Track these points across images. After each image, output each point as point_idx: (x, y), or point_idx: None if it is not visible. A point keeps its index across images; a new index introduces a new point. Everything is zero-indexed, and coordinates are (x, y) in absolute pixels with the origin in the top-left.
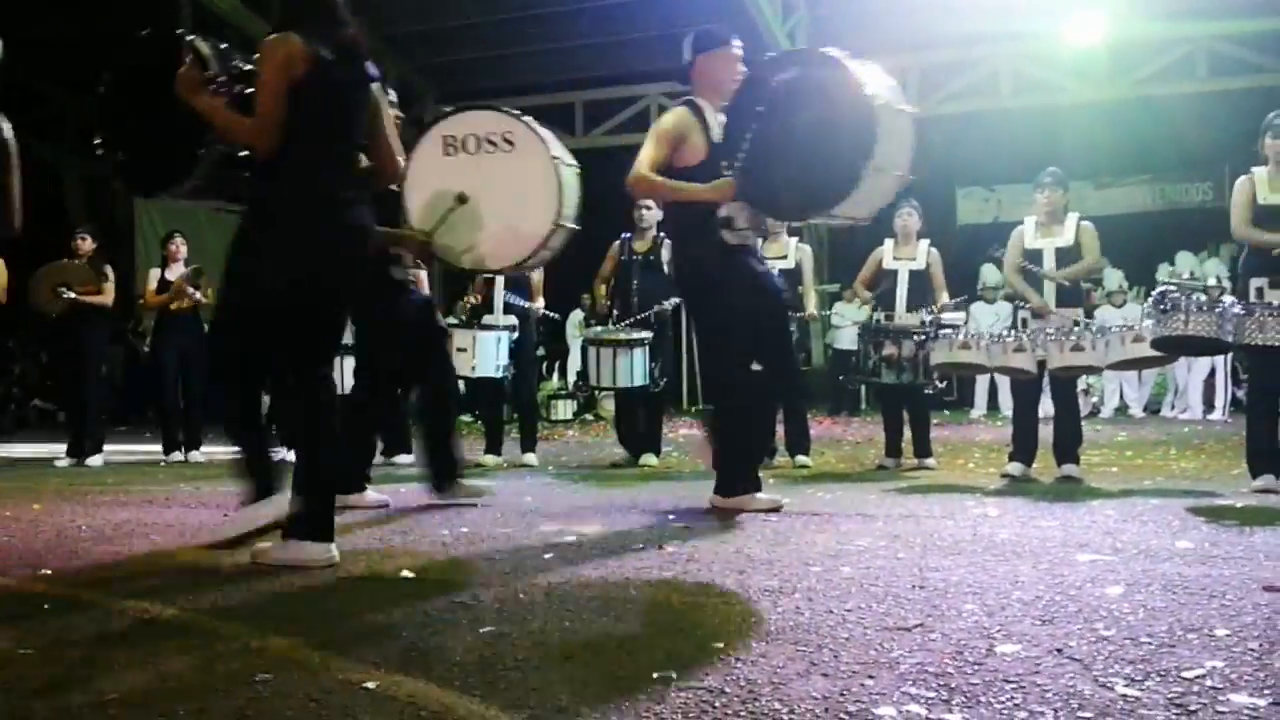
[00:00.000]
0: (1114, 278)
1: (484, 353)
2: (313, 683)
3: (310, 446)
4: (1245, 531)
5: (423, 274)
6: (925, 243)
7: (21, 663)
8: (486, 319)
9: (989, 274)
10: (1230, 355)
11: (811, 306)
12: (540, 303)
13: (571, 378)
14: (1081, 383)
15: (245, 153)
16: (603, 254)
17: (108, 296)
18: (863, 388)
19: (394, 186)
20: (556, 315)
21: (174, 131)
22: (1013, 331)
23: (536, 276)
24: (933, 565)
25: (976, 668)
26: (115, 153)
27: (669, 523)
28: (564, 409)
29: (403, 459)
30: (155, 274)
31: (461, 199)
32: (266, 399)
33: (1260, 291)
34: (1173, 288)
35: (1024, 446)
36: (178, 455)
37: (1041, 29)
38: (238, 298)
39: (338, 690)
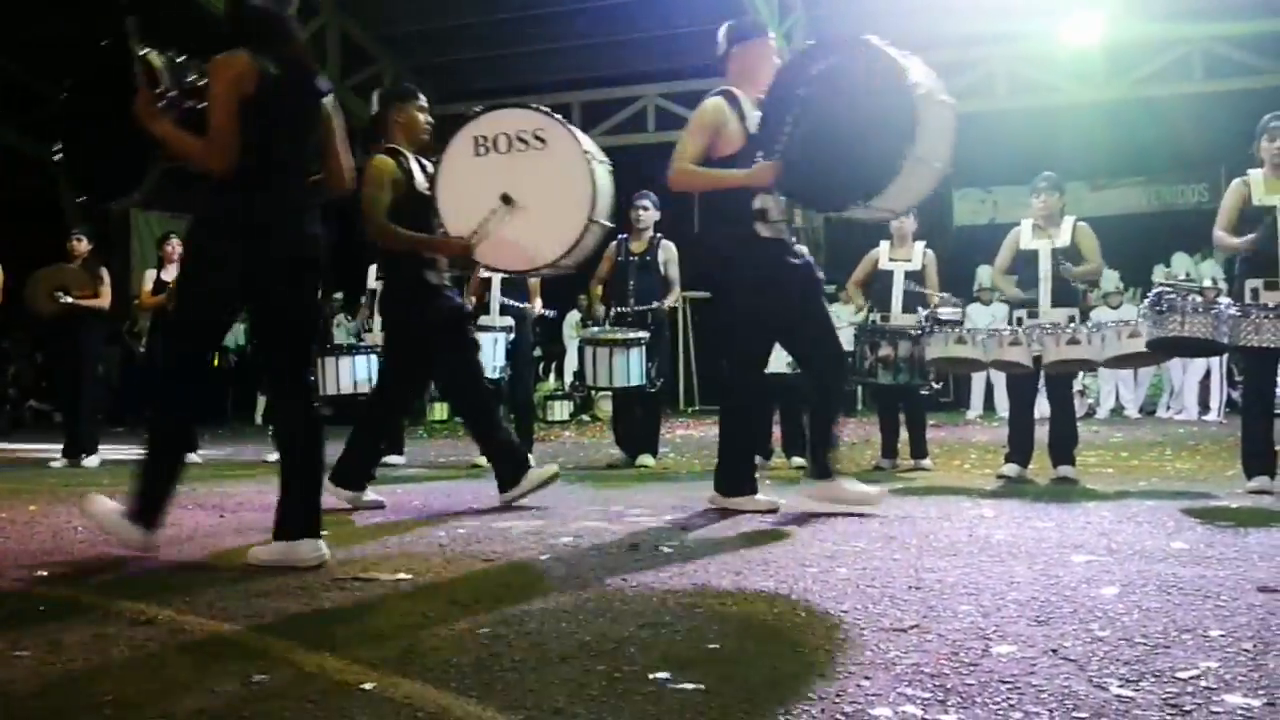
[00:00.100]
0: (1110, 279)
1: (481, 354)
2: (309, 684)
3: (309, 446)
4: (1240, 533)
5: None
6: (921, 244)
7: (17, 664)
8: (483, 320)
9: (985, 275)
10: (1226, 357)
11: None
12: (537, 304)
13: (568, 378)
14: (1077, 384)
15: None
16: (599, 254)
17: (104, 300)
18: (859, 388)
19: (429, 190)
20: (553, 313)
21: (126, 143)
22: (1009, 326)
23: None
24: (929, 566)
25: (972, 668)
26: (73, 160)
27: (665, 524)
28: (561, 410)
29: (393, 459)
30: (151, 275)
31: (506, 200)
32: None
33: (1256, 293)
34: (1169, 289)
35: (1020, 447)
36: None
37: (1038, 30)
38: (194, 311)
39: (334, 691)
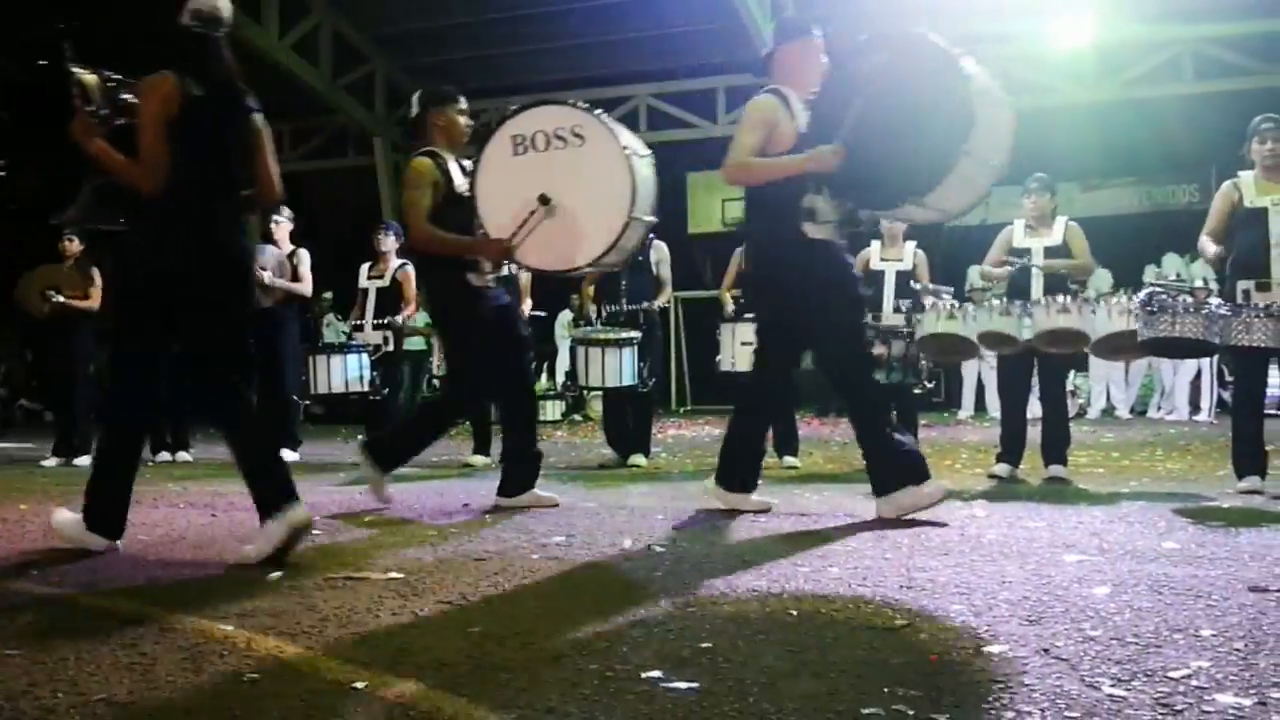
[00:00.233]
0: (1104, 278)
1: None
2: (301, 683)
3: (275, 436)
4: (1231, 532)
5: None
6: (911, 244)
7: (7, 663)
8: None
9: (976, 276)
10: (1216, 357)
11: None
12: (528, 304)
13: (560, 378)
14: (1069, 384)
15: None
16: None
17: (95, 300)
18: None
19: (468, 192)
20: (543, 314)
21: (61, 162)
22: (999, 299)
23: (525, 278)
24: (920, 566)
25: (964, 668)
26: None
27: (658, 524)
28: (553, 410)
29: None
30: None
31: (544, 201)
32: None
33: (1247, 294)
34: (1160, 289)
35: (1011, 447)
36: (165, 456)
37: (1029, 30)
38: (130, 319)
39: (326, 690)
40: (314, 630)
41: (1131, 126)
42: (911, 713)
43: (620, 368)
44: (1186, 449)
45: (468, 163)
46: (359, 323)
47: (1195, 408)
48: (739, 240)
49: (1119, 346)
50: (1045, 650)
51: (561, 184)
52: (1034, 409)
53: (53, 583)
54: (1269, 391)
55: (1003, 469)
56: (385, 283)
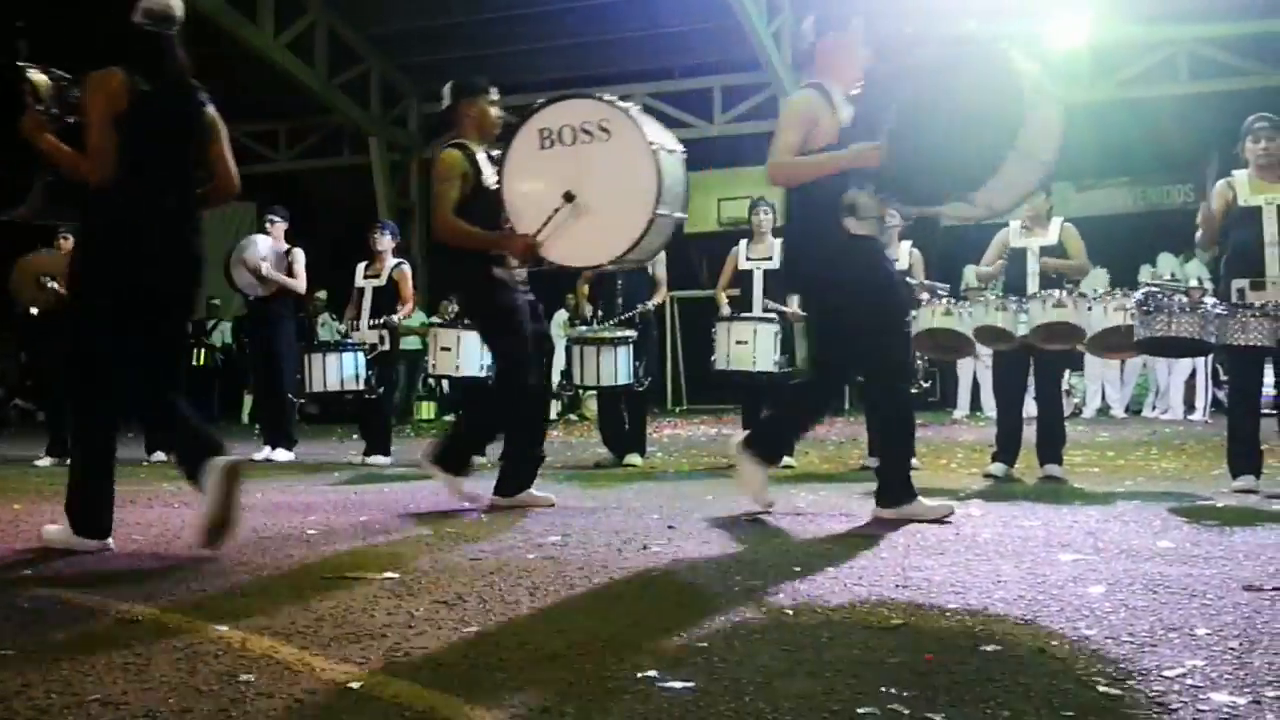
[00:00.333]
0: (1100, 278)
1: (468, 353)
2: (296, 683)
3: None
4: (1226, 531)
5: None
6: (907, 244)
7: (2, 664)
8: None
9: (972, 275)
10: (1211, 356)
11: (795, 305)
12: None
13: (556, 378)
14: (1064, 383)
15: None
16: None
17: None
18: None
19: (496, 184)
20: None
21: (13, 158)
22: (996, 295)
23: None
24: (916, 565)
25: (959, 666)
26: None
27: (653, 523)
28: (549, 409)
29: (378, 460)
30: None
31: (569, 197)
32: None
33: (1241, 293)
34: (1156, 289)
35: (1007, 447)
36: (160, 455)
37: (1023, 31)
38: (86, 316)
39: (321, 691)
40: (309, 630)
41: (1126, 126)
42: (907, 712)
43: (616, 367)
44: (1181, 448)
45: (497, 153)
46: (355, 321)
47: (1190, 407)
48: (734, 240)
49: (1114, 344)
50: (1041, 649)
51: (587, 179)
52: (1029, 408)
53: (47, 583)
54: (1264, 391)
55: (998, 468)
56: (381, 282)
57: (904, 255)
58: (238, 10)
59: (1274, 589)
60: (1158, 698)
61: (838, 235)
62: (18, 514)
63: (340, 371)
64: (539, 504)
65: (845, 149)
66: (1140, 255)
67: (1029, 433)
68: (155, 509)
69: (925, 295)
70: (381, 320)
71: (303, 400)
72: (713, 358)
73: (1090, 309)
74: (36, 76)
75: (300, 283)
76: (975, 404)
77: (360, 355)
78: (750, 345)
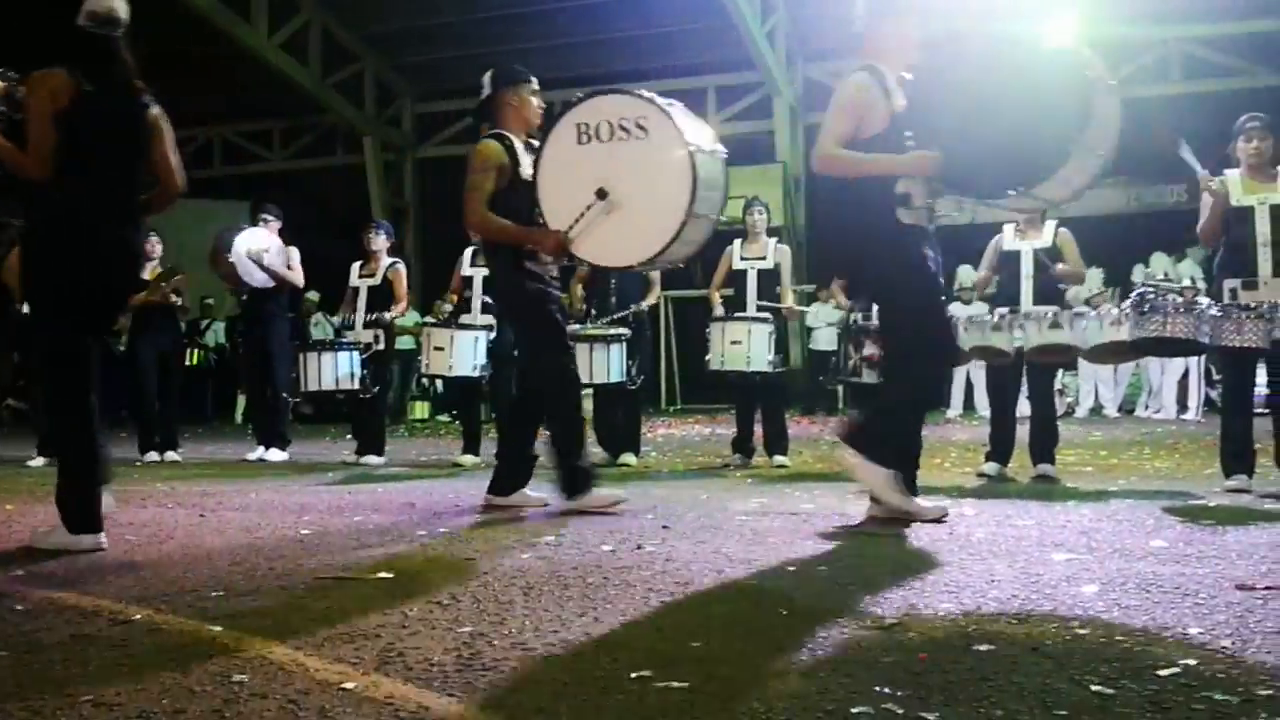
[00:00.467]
0: (1094, 278)
1: (461, 353)
2: (290, 683)
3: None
4: (1218, 531)
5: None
6: None
7: None
8: (464, 319)
9: (965, 275)
10: (1204, 356)
11: (790, 302)
12: None
13: None
14: (1057, 383)
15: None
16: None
17: None
18: (840, 388)
19: (530, 176)
20: None
21: None
22: (992, 312)
23: None
24: (909, 564)
25: (953, 666)
26: None
27: (648, 523)
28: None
29: (371, 460)
30: None
31: (601, 194)
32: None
33: (1234, 293)
34: (1150, 289)
35: (1000, 446)
36: (154, 455)
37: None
38: (43, 311)
39: (315, 691)
40: (302, 630)
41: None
42: (901, 711)
43: (609, 364)
44: (1174, 448)
45: (536, 143)
46: (349, 319)
47: (1183, 406)
48: (728, 239)
49: (1110, 352)
50: (1034, 649)
51: (621, 177)
52: (1022, 408)
53: (40, 583)
54: (1257, 390)
55: (991, 468)
56: (376, 281)
57: None
58: (232, 10)
59: (1267, 588)
60: (1151, 697)
61: (888, 224)
62: (10, 514)
63: (335, 370)
64: (533, 504)
65: (890, 149)
66: (1134, 255)
67: (1022, 432)
68: (149, 509)
69: None
70: (375, 318)
71: (298, 399)
72: (707, 358)
73: (1085, 326)
74: None
75: (298, 277)
76: (969, 404)
77: (355, 354)
78: (744, 345)
